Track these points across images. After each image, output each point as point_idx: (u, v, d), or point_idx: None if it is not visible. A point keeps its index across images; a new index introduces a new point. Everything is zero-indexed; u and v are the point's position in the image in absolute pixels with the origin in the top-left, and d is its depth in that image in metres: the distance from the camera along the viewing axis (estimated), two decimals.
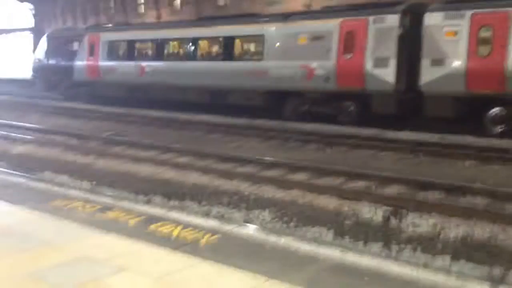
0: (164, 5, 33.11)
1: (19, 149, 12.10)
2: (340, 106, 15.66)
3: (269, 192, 8.40)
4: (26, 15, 45.39)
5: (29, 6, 45.14)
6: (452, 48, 13.52)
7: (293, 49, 16.40)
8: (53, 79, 25.28)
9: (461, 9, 13.62)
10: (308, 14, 18.22)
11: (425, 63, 13.84)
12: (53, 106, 21.65)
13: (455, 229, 6.58)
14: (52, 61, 25.49)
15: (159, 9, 33.21)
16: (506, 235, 6.36)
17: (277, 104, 16.98)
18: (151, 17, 32.34)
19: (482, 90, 13.05)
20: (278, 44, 16.84)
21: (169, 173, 9.60)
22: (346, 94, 15.47)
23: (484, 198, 7.65)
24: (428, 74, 13.78)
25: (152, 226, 5.25)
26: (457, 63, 13.43)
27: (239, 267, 4.10)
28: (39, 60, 26.52)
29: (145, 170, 9.87)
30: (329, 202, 7.82)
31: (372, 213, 7.27)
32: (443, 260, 5.86)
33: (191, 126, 15.85)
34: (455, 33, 13.52)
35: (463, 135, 12.60)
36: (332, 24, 15.69)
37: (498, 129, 13.11)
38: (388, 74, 14.38)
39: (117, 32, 23.02)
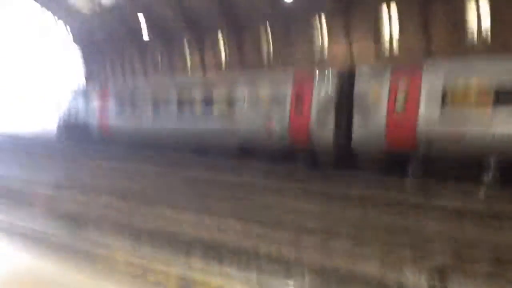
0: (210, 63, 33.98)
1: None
2: (295, 160, 16.87)
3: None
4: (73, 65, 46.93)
5: (78, 52, 46.55)
6: (376, 107, 14.61)
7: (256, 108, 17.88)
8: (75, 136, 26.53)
9: (383, 71, 14.99)
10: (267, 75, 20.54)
11: (355, 121, 15.16)
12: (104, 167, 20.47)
13: None
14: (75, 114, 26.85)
15: (204, 68, 34.09)
16: None
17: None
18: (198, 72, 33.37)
19: (400, 146, 14.07)
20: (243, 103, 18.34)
21: (210, 234, 9.59)
22: (298, 149, 16.78)
23: None
24: (357, 132, 15.09)
25: None
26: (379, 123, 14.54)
27: None
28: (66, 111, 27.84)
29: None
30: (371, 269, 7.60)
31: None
32: None
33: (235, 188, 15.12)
34: (378, 92, 14.70)
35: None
36: (285, 84, 17.17)
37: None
38: (328, 130, 15.87)
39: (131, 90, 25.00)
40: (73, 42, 45.66)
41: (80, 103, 26.68)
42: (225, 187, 14.02)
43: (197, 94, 20.53)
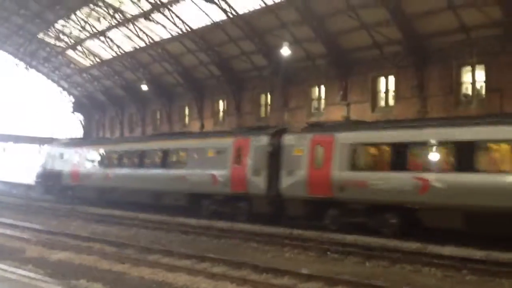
0: (208, 116, 34.60)
1: (57, 256, 12.18)
2: (236, 206, 19.36)
3: None
4: (76, 125, 48.26)
5: (79, 116, 48.06)
6: (299, 162, 17.30)
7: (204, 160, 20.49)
8: (49, 184, 29.45)
9: (305, 132, 17.93)
10: (213, 133, 24.39)
11: (282, 173, 17.69)
12: (92, 213, 22.11)
13: None
14: (49, 168, 29.63)
15: (202, 120, 34.68)
16: None
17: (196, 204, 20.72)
18: (195, 127, 33.72)
19: (317, 195, 16.71)
20: (195, 155, 21.11)
21: (204, 284, 9.40)
22: (238, 197, 19.21)
23: None
24: (284, 182, 17.54)
25: None
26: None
27: None
28: (41, 167, 30.81)
29: (180, 279, 9.71)
30: None
31: None
32: None
33: (229, 234, 15.82)
34: (302, 150, 17.36)
35: (510, 252, 11.99)
36: (228, 141, 19.93)
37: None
38: (262, 181, 18.32)
39: (88, 146, 28.34)
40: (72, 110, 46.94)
41: (57, 155, 29.91)
42: None
43: (156, 150, 23.61)
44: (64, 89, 46.59)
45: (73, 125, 48.41)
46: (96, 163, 26.76)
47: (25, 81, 47.15)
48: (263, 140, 18.72)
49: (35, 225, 17.62)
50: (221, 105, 34.40)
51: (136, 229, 17.77)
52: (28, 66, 43.14)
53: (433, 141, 14.74)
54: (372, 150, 16.54)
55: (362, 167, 16.26)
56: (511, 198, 12.68)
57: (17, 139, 45.79)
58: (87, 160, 27.25)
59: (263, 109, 31.54)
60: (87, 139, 32.16)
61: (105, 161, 26.30)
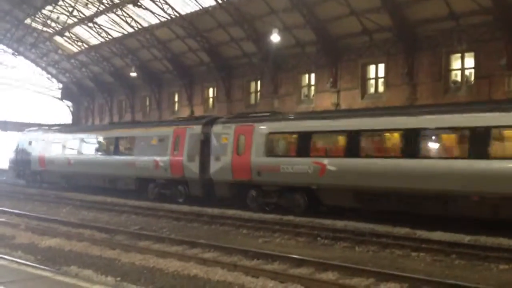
0: (198, 103, 34.47)
1: (47, 242, 12.14)
2: (175, 189, 21.51)
3: None
4: (65, 112, 47.85)
5: (68, 103, 47.64)
6: (225, 149, 19.07)
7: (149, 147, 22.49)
8: (20, 169, 31.67)
9: (230, 122, 19.58)
10: (157, 122, 26.94)
11: (211, 159, 19.48)
12: (82, 200, 22.09)
13: None
14: (20, 154, 31.62)
15: (192, 106, 34.54)
16: None
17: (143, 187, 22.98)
18: (185, 114, 33.54)
19: (240, 178, 18.51)
20: (142, 143, 23.13)
21: (195, 269, 9.43)
22: (176, 180, 21.24)
23: None
24: (213, 167, 19.39)
25: None
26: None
27: None
28: (14, 152, 32.65)
29: (171, 265, 9.73)
30: None
31: None
32: None
33: (221, 221, 15.88)
34: (227, 138, 19.15)
35: (497, 237, 12.17)
36: (169, 130, 21.88)
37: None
38: (195, 166, 20.23)
39: (54, 133, 30.10)
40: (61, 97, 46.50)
41: (27, 141, 31.73)
42: None
43: (110, 138, 25.62)
44: (52, 75, 46.09)
45: (62, 112, 48.00)
46: (59, 150, 28.36)
47: (13, 67, 46.28)
48: (197, 129, 20.78)
49: (24, 211, 17.52)
50: (211, 92, 34.28)
51: (127, 215, 17.80)
52: (15, 53, 42.55)
53: (327, 130, 17.18)
54: (283, 139, 18.83)
55: (276, 154, 18.23)
56: (391, 179, 14.74)
57: (5, 125, 45.21)
58: (52, 147, 28.89)
59: (253, 96, 31.49)
60: (54, 126, 33.15)
61: (66, 148, 28.09)
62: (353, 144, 15.99)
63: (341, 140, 16.80)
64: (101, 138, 26.55)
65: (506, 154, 13.30)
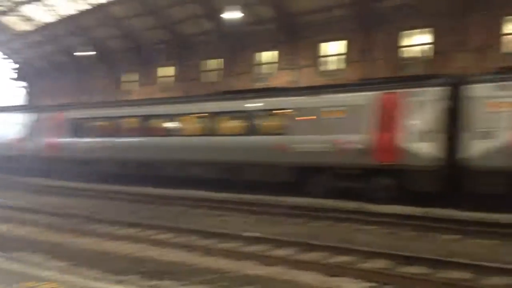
0: (152, 82, 33.87)
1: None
2: (375, 182, 15.31)
3: (252, 268, 8.20)
4: (20, 93, 46.41)
5: (23, 84, 46.20)
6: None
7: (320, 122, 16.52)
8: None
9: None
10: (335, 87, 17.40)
11: (464, 136, 13.83)
12: (42, 185, 21.56)
13: None
14: None
15: (151, 86, 33.94)
16: None
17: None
18: (143, 94, 32.93)
19: None
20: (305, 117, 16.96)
21: (150, 251, 9.38)
22: (377, 169, 15.18)
23: (467, 273, 7.50)
24: (471, 148, 13.63)
25: None
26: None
27: None
28: None
29: (124, 248, 9.63)
30: (313, 278, 7.63)
31: None
32: None
33: (175, 202, 15.78)
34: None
35: (447, 208, 12.58)
36: (365, 97, 15.75)
37: None
38: (431, 147, 14.46)
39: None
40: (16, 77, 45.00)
41: None
42: None
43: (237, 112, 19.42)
44: (4, 55, 44.44)
45: (18, 93, 46.47)
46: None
47: None
48: (434, 93, 14.90)
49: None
50: (171, 71, 33.68)
51: (95, 200, 17.38)
52: None
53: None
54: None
55: None
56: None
57: None
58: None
59: (211, 74, 31.06)
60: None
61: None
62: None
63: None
64: (214, 113, 19.55)
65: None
